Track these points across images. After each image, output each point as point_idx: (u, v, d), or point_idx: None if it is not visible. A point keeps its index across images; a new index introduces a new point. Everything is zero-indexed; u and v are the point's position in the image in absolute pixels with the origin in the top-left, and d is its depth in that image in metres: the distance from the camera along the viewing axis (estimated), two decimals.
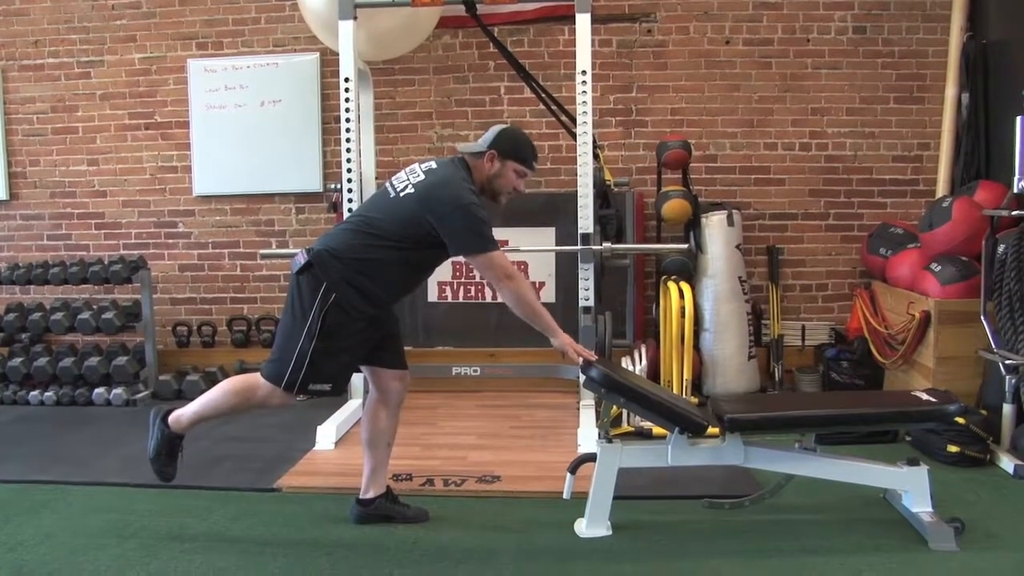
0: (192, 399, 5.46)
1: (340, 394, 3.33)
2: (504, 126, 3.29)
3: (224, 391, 3.24)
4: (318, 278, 3.07)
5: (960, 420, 3.89)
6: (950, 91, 5.37)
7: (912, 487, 3.22)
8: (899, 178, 5.69)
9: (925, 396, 3.30)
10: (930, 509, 3.17)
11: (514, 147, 3.22)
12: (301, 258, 3.13)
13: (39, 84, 6.23)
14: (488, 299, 5.73)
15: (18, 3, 6.17)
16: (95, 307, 5.74)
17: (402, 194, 3.13)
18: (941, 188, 5.38)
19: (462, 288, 5.75)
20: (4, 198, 6.33)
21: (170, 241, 6.24)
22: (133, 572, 2.98)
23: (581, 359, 3.25)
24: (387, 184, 3.25)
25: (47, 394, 5.55)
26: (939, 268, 4.59)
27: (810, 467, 3.27)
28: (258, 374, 3.20)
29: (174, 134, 6.15)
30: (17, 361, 5.67)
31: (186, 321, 6.24)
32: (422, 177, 3.14)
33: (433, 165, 3.22)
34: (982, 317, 4.25)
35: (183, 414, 3.28)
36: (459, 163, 3.22)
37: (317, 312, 3.05)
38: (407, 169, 3.24)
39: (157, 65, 6.13)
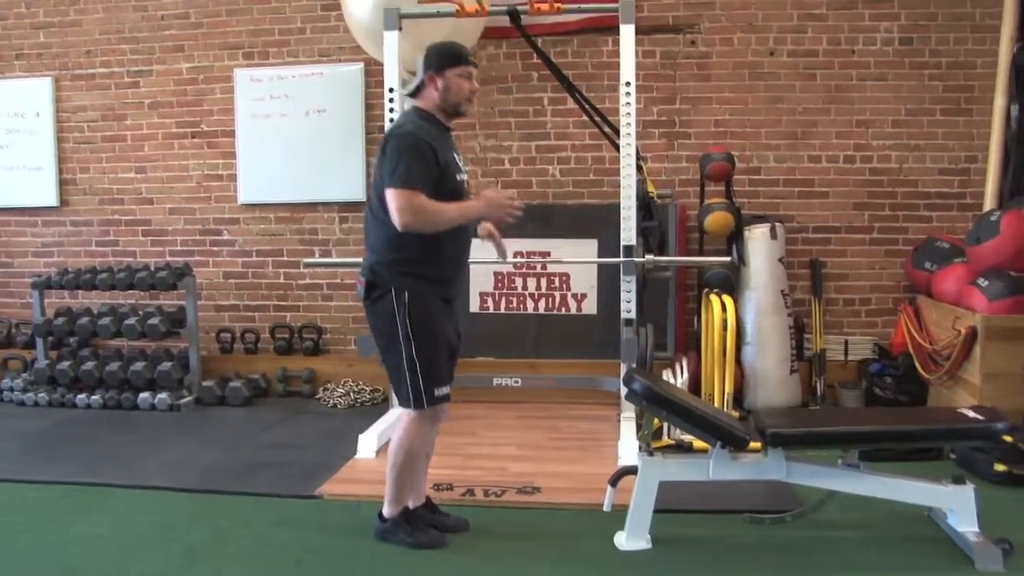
0: (234, 405, 5.63)
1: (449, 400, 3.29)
2: (426, 48, 3.25)
3: (391, 451, 3.27)
4: (384, 289, 3.13)
5: (1008, 438, 3.83)
6: (999, 102, 5.29)
7: (958, 506, 3.17)
8: (945, 191, 5.62)
9: (972, 413, 3.25)
10: (976, 529, 3.12)
11: (444, 56, 3.20)
12: (360, 286, 3.21)
13: (90, 93, 6.36)
14: (530, 310, 5.74)
15: (72, 14, 6.31)
16: (141, 313, 5.84)
17: (375, 166, 3.20)
18: (989, 201, 5.29)
19: (504, 299, 5.76)
20: (55, 204, 6.45)
21: (215, 248, 6.32)
22: (176, 574, 3.03)
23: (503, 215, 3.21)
24: None
25: (94, 397, 5.65)
26: (986, 283, 4.52)
27: (853, 483, 3.23)
28: (400, 419, 3.29)
29: (220, 143, 6.24)
30: (65, 364, 5.78)
31: (230, 328, 6.31)
32: None
33: None
34: None
35: (387, 501, 3.32)
36: (410, 110, 3.27)
37: (401, 317, 3.10)
38: None
39: (204, 75, 6.22)
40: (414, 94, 3.25)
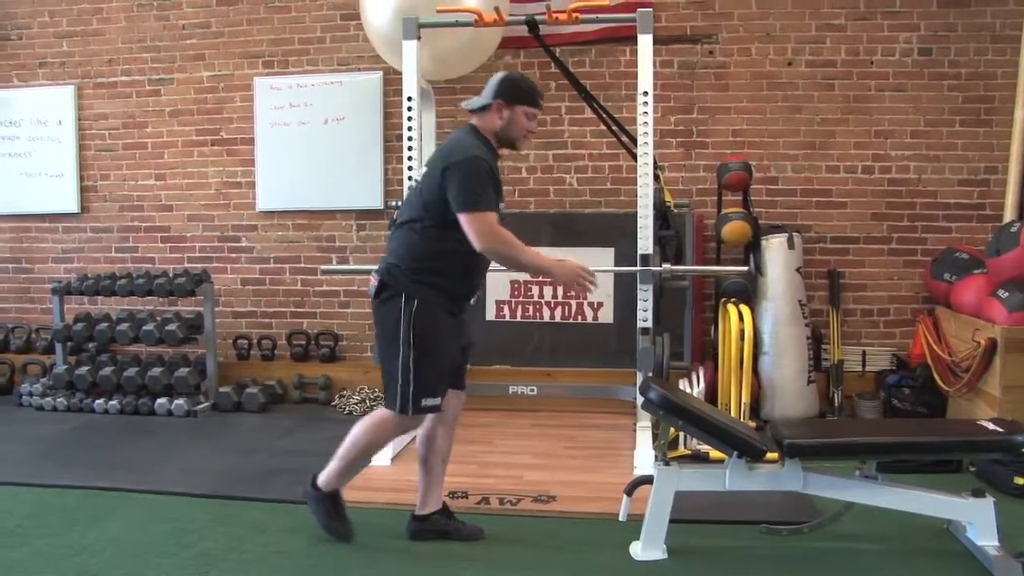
0: (251, 411, 5.64)
1: (442, 410, 3.31)
2: (502, 74, 3.29)
3: (356, 434, 3.29)
4: (395, 292, 3.15)
5: None
6: (1019, 113, 5.25)
7: (977, 519, 3.14)
8: (965, 202, 5.59)
9: (991, 426, 3.23)
10: (996, 543, 3.09)
11: (519, 91, 3.24)
12: (374, 281, 3.22)
13: (112, 101, 6.42)
14: (546, 319, 5.74)
15: (95, 24, 6.38)
16: (159, 319, 5.88)
17: (422, 177, 3.24)
18: (1009, 213, 5.26)
19: (520, 307, 5.76)
20: (76, 211, 6.51)
21: (233, 255, 6.36)
22: None
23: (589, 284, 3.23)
24: (412, 182, 3.31)
25: (111, 403, 5.68)
26: (1006, 295, 4.49)
27: (871, 495, 3.21)
28: (382, 408, 3.28)
29: (239, 150, 6.28)
30: (84, 370, 5.81)
31: (247, 334, 6.34)
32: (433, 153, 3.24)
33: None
34: None
35: (329, 472, 3.34)
36: (467, 129, 3.28)
37: (406, 323, 3.11)
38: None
39: (224, 83, 6.26)
40: (475, 111, 3.27)
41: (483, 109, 3.24)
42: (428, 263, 3.14)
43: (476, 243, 3.06)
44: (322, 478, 3.35)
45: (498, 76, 3.27)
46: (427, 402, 3.17)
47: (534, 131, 3.34)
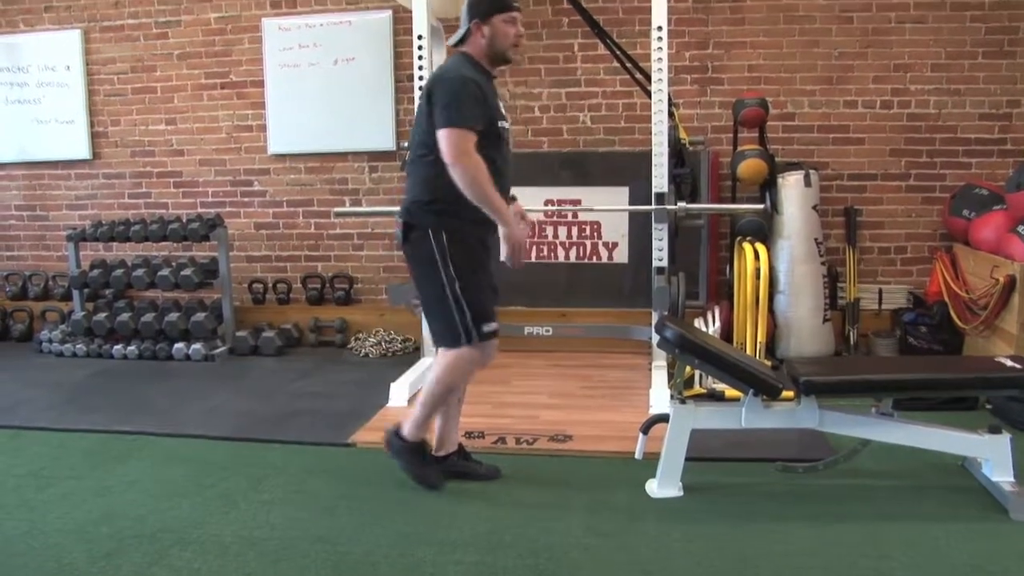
0: (267, 355, 5.68)
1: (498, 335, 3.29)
2: None
3: (432, 382, 3.25)
4: (423, 229, 3.13)
5: None
6: None
7: (993, 455, 3.14)
8: (985, 137, 5.49)
9: (1009, 362, 3.21)
10: (1012, 479, 3.10)
11: (488, 4, 3.17)
12: (399, 226, 3.20)
13: (119, 45, 6.35)
14: (561, 259, 5.72)
15: None
16: (174, 264, 5.89)
17: (417, 109, 3.21)
18: None
19: (534, 248, 5.74)
20: (87, 157, 6.49)
21: (246, 199, 6.34)
22: (213, 520, 3.08)
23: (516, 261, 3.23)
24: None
25: (130, 348, 5.73)
26: None
27: (887, 432, 3.21)
28: (443, 351, 3.23)
29: (249, 93, 6.22)
30: (101, 316, 5.85)
31: (262, 278, 6.35)
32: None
33: None
34: None
35: (412, 422, 3.32)
36: (457, 56, 3.23)
37: (441, 257, 3.11)
38: None
39: (232, 24, 6.19)
40: (460, 43, 3.22)
41: (465, 38, 3.20)
42: (443, 193, 3.08)
43: (447, 156, 3.00)
44: (407, 428, 3.33)
45: (467, 0, 3.21)
46: (487, 327, 3.17)
47: (521, 35, 3.24)
